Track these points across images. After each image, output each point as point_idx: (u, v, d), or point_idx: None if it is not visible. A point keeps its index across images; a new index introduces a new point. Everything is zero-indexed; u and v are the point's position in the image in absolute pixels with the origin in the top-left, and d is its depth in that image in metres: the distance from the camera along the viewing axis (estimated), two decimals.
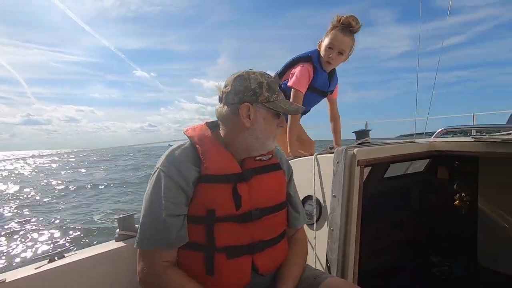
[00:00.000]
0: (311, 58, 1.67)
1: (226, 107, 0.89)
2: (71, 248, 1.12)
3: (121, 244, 1.12)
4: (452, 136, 1.62)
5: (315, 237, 1.24)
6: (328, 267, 1.16)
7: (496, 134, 1.57)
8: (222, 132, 0.93)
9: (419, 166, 2.22)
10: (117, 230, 1.17)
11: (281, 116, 0.95)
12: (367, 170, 1.89)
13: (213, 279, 0.84)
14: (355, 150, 1.18)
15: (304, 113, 1.88)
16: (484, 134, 1.55)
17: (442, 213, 2.12)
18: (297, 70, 1.65)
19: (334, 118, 1.94)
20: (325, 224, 1.22)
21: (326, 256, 1.18)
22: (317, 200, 1.27)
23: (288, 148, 1.65)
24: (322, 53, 1.64)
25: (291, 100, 1.61)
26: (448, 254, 2.09)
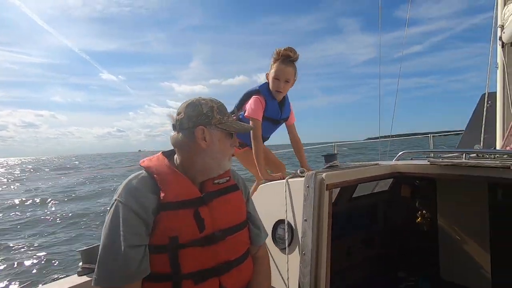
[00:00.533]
0: (260, 92, 1.81)
1: (181, 133, 0.93)
2: (26, 284, 1.03)
3: (84, 278, 1.05)
4: (411, 159, 1.75)
5: (287, 261, 1.25)
6: None
7: (450, 156, 1.73)
8: (179, 158, 0.96)
9: (385, 184, 2.35)
10: (80, 264, 1.10)
11: (234, 136, 1.01)
12: (336, 190, 1.97)
13: None
14: (324, 175, 1.24)
15: (263, 140, 1.93)
16: (439, 157, 1.69)
17: (407, 230, 2.24)
18: (251, 102, 1.79)
19: (296, 142, 2.04)
20: (297, 248, 1.24)
21: (299, 280, 1.19)
22: (289, 224, 1.29)
23: (259, 172, 1.71)
24: (270, 85, 1.79)
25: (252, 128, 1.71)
26: (414, 269, 2.19)
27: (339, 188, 1.92)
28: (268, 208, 1.43)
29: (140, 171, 0.92)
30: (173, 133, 0.96)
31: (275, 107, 1.83)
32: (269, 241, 1.39)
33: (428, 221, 2.13)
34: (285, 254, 1.26)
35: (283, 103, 1.88)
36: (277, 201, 1.35)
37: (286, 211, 1.29)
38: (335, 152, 1.84)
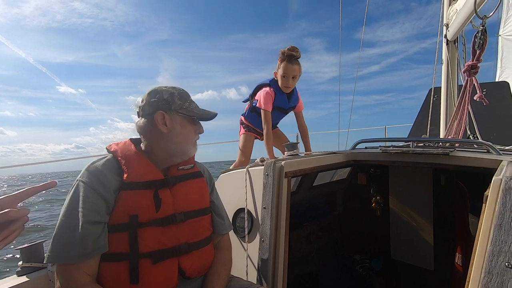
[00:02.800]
0: (270, 85, 2.05)
1: (143, 119, 0.95)
2: None
3: (24, 279, 0.96)
4: (366, 148, 1.85)
5: (247, 249, 1.26)
6: (260, 277, 1.19)
7: (400, 145, 1.86)
8: (143, 144, 0.97)
9: (343, 173, 2.47)
10: (20, 263, 1.00)
11: (198, 123, 1.02)
12: (297, 179, 2.03)
13: (138, 287, 0.82)
14: (283, 163, 1.25)
15: (272, 127, 2.20)
16: (390, 145, 1.81)
17: (362, 215, 2.38)
18: (261, 93, 2.04)
19: (302, 127, 2.27)
20: (257, 236, 1.25)
21: (258, 266, 1.21)
22: (249, 212, 1.30)
23: (268, 154, 1.97)
24: (279, 82, 2.01)
25: (262, 118, 2.00)
26: (368, 252, 2.34)
27: (300, 177, 1.98)
28: (229, 197, 1.42)
29: (106, 155, 0.94)
30: (137, 119, 0.98)
31: (283, 98, 2.06)
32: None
33: (381, 206, 2.28)
34: (245, 242, 1.27)
35: (291, 94, 2.09)
36: (238, 189, 1.35)
37: (246, 199, 1.30)
38: (297, 141, 1.91)
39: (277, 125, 2.38)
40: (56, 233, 0.79)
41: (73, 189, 0.84)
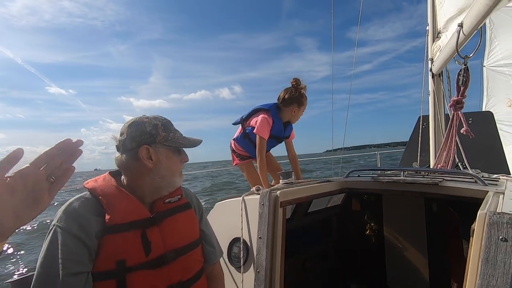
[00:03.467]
0: (269, 111, 2.07)
1: (125, 154, 0.89)
2: None
3: None
4: (358, 176, 1.90)
5: (242, 280, 1.25)
6: None
7: (392, 173, 1.91)
8: (125, 180, 0.92)
9: (337, 199, 2.49)
10: None
11: (182, 151, 0.98)
12: (292, 206, 2.04)
13: None
14: (278, 192, 1.28)
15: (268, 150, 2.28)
16: (383, 174, 1.86)
17: (357, 242, 2.38)
18: (259, 119, 2.03)
19: (292, 155, 2.31)
20: (252, 266, 1.25)
21: None
22: (244, 242, 1.30)
23: (262, 183, 2.00)
24: (296, 117, 2.14)
25: (257, 144, 2.02)
26: (365, 280, 2.31)
27: (295, 204, 2.00)
28: (225, 226, 1.43)
29: (83, 193, 0.86)
30: (117, 154, 0.92)
31: (280, 126, 2.10)
32: (224, 259, 1.38)
33: (376, 233, 2.28)
34: (240, 272, 1.26)
35: (287, 124, 2.16)
36: (234, 218, 1.36)
37: (242, 228, 1.31)
38: (291, 170, 1.96)
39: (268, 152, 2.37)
40: (33, 287, 0.73)
41: (50, 236, 0.76)
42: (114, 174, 0.94)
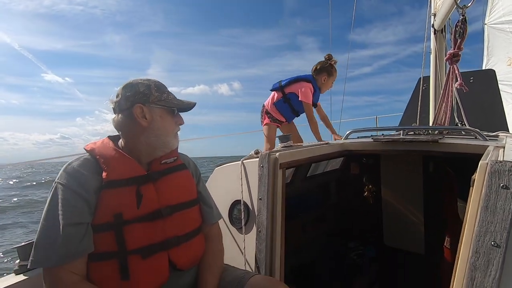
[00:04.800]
0: (311, 82, 2.37)
1: (120, 115, 0.93)
2: None
3: (22, 277, 0.96)
4: (358, 137, 1.88)
5: (244, 240, 1.28)
6: (257, 267, 1.22)
7: (391, 134, 1.90)
8: (123, 141, 0.95)
9: (336, 163, 2.51)
10: (17, 261, 1.00)
11: (177, 113, 1.00)
12: (291, 170, 2.05)
13: (129, 283, 0.82)
14: (277, 154, 1.27)
15: (297, 115, 2.58)
16: (381, 134, 1.85)
17: (355, 204, 2.43)
18: (304, 88, 2.32)
19: (324, 117, 2.66)
20: (253, 227, 1.27)
21: (255, 256, 1.23)
22: (245, 204, 1.31)
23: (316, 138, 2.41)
24: (326, 86, 2.45)
25: (306, 110, 2.34)
26: (362, 239, 2.40)
27: (294, 168, 2.01)
28: (225, 190, 1.43)
29: (83, 154, 0.91)
30: (114, 116, 0.95)
31: (318, 94, 2.45)
32: (226, 221, 1.41)
33: (373, 195, 2.33)
34: (241, 233, 1.29)
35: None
36: (233, 182, 1.36)
37: (242, 191, 1.31)
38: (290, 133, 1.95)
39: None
40: (38, 238, 0.78)
41: (51, 192, 0.82)
42: (113, 139, 0.98)
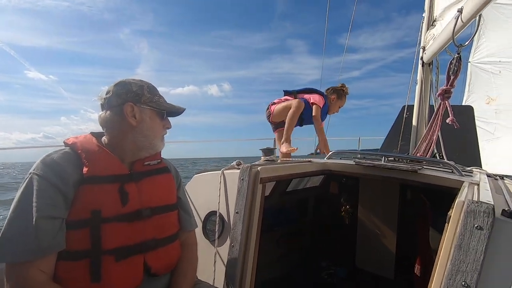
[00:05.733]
0: (323, 96, 2.52)
1: (109, 111, 0.91)
2: None
3: None
4: (341, 158, 1.90)
5: (216, 253, 1.24)
6: (227, 283, 1.17)
7: (372, 158, 1.93)
8: (107, 138, 0.93)
9: (317, 180, 2.52)
10: None
11: (166, 117, 0.99)
12: (272, 183, 2.03)
13: (99, 285, 0.77)
14: (259, 168, 1.24)
15: (301, 125, 2.65)
16: (363, 158, 1.87)
17: (331, 223, 2.44)
18: (316, 97, 2.47)
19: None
20: (227, 240, 1.23)
21: (226, 271, 1.19)
22: (221, 216, 1.27)
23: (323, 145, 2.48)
24: (333, 106, 2.60)
25: (314, 113, 2.41)
26: (335, 259, 2.40)
27: (275, 182, 1.99)
28: (202, 199, 1.39)
29: (63, 147, 0.87)
30: (101, 113, 0.92)
31: (326, 110, 2.57)
32: (199, 232, 1.36)
33: (350, 215, 2.35)
34: (214, 246, 1.24)
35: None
36: (211, 192, 1.33)
37: (219, 202, 1.27)
38: (274, 147, 1.94)
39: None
40: (5, 230, 0.72)
41: (25, 182, 0.76)
42: (96, 135, 0.94)
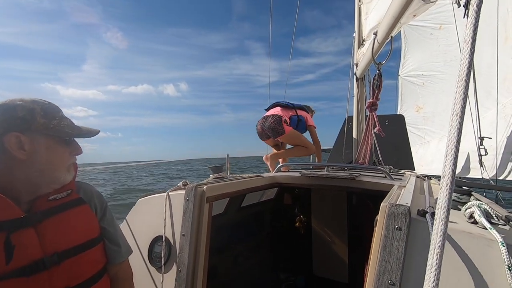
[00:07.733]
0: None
1: None
2: None
3: None
4: (289, 171, 1.97)
5: (162, 281, 1.18)
6: None
7: (317, 169, 2.04)
8: None
9: (271, 193, 2.56)
10: None
11: (73, 142, 0.85)
12: (225, 201, 2.02)
13: None
14: (204, 187, 1.23)
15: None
16: (309, 169, 1.97)
17: (288, 234, 2.48)
18: (311, 117, 2.96)
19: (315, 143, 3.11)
20: (174, 266, 1.18)
21: None
22: (167, 240, 1.22)
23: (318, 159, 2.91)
24: (311, 126, 2.93)
25: (314, 134, 2.88)
26: (293, 270, 2.44)
27: (228, 199, 1.98)
28: (147, 224, 1.32)
29: None
30: None
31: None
32: (145, 260, 1.28)
33: (304, 225, 2.42)
34: (160, 273, 1.18)
35: None
36: (157, 216, 1.27)
37: (164, 226, 1.22)
38: (228, 163, 1.94)
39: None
40: None
41: None
42: None
